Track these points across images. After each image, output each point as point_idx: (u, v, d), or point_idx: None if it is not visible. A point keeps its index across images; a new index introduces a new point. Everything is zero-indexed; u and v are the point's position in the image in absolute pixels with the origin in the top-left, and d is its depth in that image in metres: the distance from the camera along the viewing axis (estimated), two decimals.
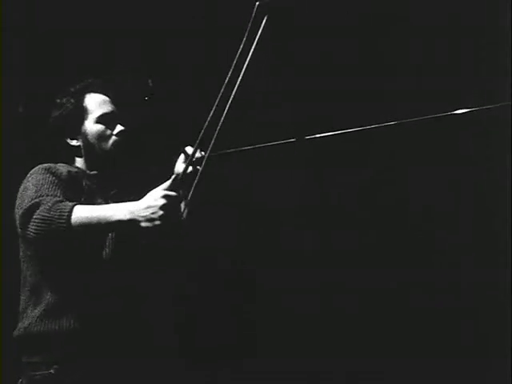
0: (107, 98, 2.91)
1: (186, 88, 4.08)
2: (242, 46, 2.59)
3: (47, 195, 2.58)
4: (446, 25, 4.00)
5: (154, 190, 2.49)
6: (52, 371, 2.59)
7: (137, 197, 2.70)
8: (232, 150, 2.75)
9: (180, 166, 2.75)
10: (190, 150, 2.73)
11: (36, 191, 2.60)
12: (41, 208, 2.51)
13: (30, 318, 2.64)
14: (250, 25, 2.59)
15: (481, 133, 3.76)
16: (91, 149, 2.85)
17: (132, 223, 2.46)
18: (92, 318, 2.62)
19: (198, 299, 4.14)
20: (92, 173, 2.86)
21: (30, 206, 2.53)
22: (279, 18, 2.61)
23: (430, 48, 4.03)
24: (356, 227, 4.13)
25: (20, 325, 2.67)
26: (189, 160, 2.67)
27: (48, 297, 2.64)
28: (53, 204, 2.51)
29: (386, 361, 4.02)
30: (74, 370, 2.60)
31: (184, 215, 2.59)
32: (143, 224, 2.44)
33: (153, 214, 2.43)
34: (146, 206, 2.45)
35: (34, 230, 2.49)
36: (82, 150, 2.87)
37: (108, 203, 2.76)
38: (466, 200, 4.01)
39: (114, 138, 2.85)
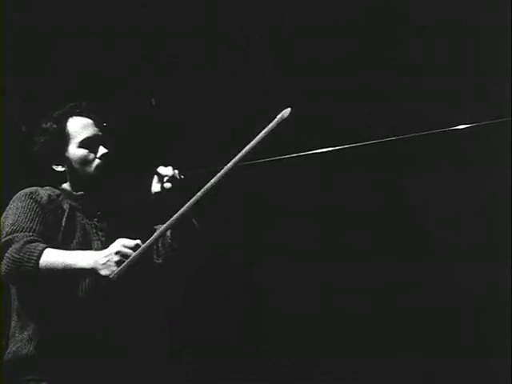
0: (90, 121, 2.93)
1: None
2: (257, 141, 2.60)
3: (22, 229, 2.70)
4: (446, 25, 4.00)
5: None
6: None
7: (123, 219, 2.87)
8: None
9: (155, 187, 2.83)
10: (162, 170, 2.82)
11: (13, 223, 2.73)
12: (12, 247, 2.65)
13: (18, 342, 2.76)
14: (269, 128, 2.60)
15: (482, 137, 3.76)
16: (75, 173, 2.90)
17: (93, 271, 2.62)
18: (76, 338, 2.71)
19: (202, 298, 4.15)
20: (78, 194, 2.91)
21: (4, 242, 2.67)
22: None
23: (430, 48, 4.03)
24: (360, 228, 4.13)
25: (9, 349, 2.80)
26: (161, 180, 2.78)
27: (32, 322, 2.76)
28: (23, 244, 2.64)
29: (386, 360, 4.02)
30: None
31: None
32: (102, 272, 2.59)
33: (109, 261, 2.59)
34: (104, 254, 2.61)
35: (5, 269, 2.64)
36: (67, 175, 2.93)
37: (94, 224, 2.87)
38: (467, 201, 4.01)
39: (97, 161, 2.89)
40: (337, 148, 2.78)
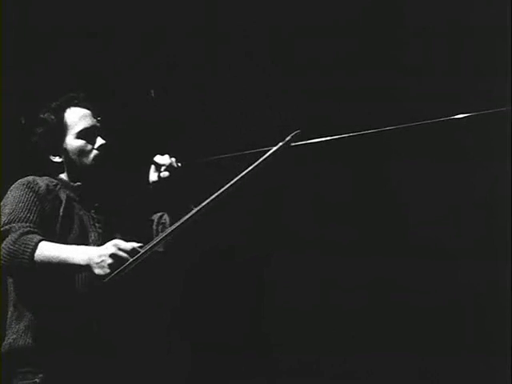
0: (88, 112, 2.94)
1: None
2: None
3: (19, 219, 2.70)
4: (446, 25, 4.00)
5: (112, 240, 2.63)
6: (37, 380, 2.71)
7: (121, 211, 2.89)
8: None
9: (152, 176, 2.86)
10: (159, 159, 2.83)
11: (10, 213, 2.72)
12: (8, 238, 2.64)
13: (14, 333, 2.77)
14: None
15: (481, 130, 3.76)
16: (73, 164, 2.90)
17: (88, 268, 2.61)
18: (72, 331, 2.72)
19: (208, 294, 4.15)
20: (75, 184, 2.92)
21: (1, 233, 2.67)
22: None
23: (429, 48, 4.04)
24: (359, 225, 4.13)
25: (6, 340, 2.79)
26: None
27: (28, 313, 2.76)
28: (19, 236, 2.64)
29: (385, 358, 4.02)
30: (58, 379, 2.71)
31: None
32: (96, 270, 2.59)
33: (102, 261, 2.57)
34: (99, 253, 2.60)
35: (1, 259, 2.64)
36: (65, 166, 2.92)
37: (91, 216, 2.87)
38: (467, 198, 4.01)
39: (94, 152, 2.89)
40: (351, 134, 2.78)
